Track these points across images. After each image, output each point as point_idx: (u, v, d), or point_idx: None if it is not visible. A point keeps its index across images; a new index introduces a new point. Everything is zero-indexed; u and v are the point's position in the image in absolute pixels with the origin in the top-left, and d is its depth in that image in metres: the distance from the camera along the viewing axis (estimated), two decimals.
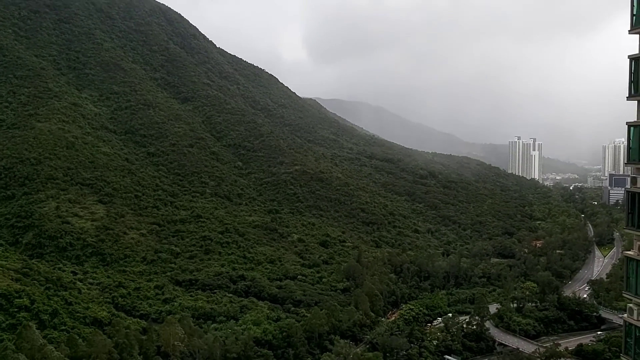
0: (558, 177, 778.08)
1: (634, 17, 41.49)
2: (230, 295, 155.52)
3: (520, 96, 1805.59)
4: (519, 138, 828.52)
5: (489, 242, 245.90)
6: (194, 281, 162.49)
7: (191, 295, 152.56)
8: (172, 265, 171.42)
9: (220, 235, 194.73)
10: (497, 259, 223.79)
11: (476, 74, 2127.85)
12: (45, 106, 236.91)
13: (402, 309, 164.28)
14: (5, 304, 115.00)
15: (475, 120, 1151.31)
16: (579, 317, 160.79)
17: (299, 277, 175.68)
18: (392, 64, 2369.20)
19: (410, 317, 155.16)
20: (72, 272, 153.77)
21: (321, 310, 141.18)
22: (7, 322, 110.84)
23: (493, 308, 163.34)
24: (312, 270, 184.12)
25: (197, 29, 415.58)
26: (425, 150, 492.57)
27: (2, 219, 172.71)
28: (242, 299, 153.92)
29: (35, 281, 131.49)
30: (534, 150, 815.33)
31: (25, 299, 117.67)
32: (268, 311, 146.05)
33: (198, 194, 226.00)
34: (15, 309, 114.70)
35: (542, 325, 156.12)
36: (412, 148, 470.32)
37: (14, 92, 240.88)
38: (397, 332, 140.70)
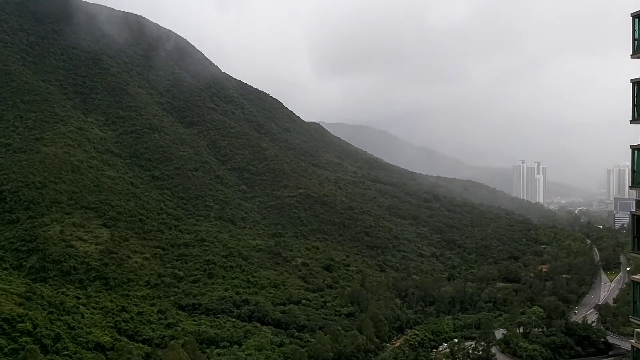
0: (563, 201, 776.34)
1: (636, 42, 41.96)
2: (234, 319, 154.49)
3: (525, 119, 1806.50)
4: (523, 162, 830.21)
5: (495, 266, 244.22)
6: (197, 305, 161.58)
7: (194, 320, 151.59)
8: (176, 289, 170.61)
9: (224, 259, 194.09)
10: (503, 284, 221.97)
11: (481, 96, 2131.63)
12: (51, 130, 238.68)
13: (407, 334, 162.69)
14: (8, 328, 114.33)
15: (480, 143, 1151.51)
16: (586, 343, 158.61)
17: (302, 301, 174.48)
18: (395, 83, 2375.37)
19: (416, 343, 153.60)
20: (75, 296, 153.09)
21: (325, 335, 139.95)
22: (10, 347, 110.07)
23: (499, 333, 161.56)
24: (316, 294, 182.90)
25: (202, 54, 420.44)
26: (429, 174, 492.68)
27: (6, 242, 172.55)
28: (246, 323, 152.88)
29: (38, 305, 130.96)
30: (538, 174, 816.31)
31: (28, 324, 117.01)
32: (272, 336, 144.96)
33: (202, 218, 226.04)
34: (18, 334, 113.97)
35: (549, 351, 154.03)
36: (416, 172, 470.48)
37: (21, 117, 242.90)
38: (402, 358, 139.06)
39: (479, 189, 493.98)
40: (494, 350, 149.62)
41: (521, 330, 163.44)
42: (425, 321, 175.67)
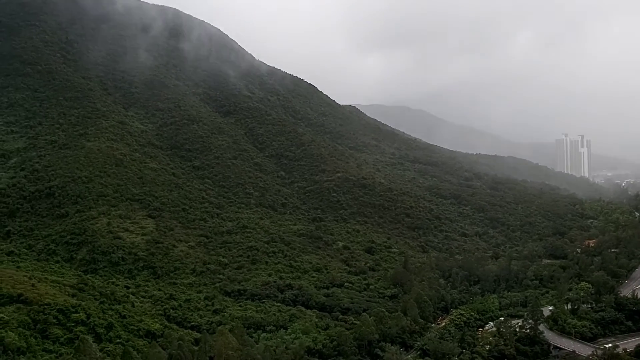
0: (609, 174, 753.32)
1: None
2: (279, 304, 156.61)
3: (566, 91, 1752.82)
4: (566, 135, 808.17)
5: (540, 243, 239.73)
6: (242, 291, 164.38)
7: (240, 306, 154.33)
8: (221, 276, 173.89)
9: (266, 245, 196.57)
10: (549, 260, 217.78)
11: (520, 69, 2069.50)
12: (94, 126, 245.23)
13: (452, 314, 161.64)
14: (63, 318, 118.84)
15: (520, 118, 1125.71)
16: (637, 317, 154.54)
17: (345, 284, 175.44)
18: (431, 61, 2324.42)
19: (461, 322, 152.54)
20: (125, 286, 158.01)
21: (370, 317, 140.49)
22: (65, 337, 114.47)
23: (546, 311, 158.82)
24: (358, 277, 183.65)
25: (236, 43, 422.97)
26: (469, 152, 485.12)
27: (57, 236, 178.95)
28: (290, 307, 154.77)
29: (90, 296, 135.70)
30: (582, 147, 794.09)
31: (81, 314, 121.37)
32: (316, 320, 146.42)
33: (243, 205, 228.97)
34: (73, 324, 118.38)
35: (598, 327, 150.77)
36: (456, 150, 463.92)
37: (64, 114, 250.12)
38: (448, 338, 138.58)
39: (521, 165, 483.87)
40: (541, 327, 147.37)
41: (569, 306, 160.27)
42: (470, 300, 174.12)
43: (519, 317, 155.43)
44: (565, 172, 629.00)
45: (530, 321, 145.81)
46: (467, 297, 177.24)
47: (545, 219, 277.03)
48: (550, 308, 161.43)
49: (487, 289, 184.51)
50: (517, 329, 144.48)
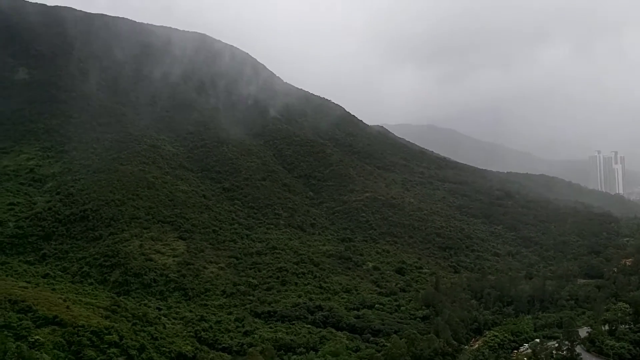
0: None
1: None
2: (309, 325, 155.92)
3: (597, 105, 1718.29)
4: (599, 152, 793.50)
5: (574, 263, 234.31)
6: (272, 313, 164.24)
7: (270, 327, 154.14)
8: (251, 297, 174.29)
9: (295, 266, 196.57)
10: (584, 280, 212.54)
11: (548, 85, 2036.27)
12: (126, 150, 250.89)
13: (485, 336, 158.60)
14: (97, 340, 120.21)
15: (550, 135, 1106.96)
16: None
17: (376, 305, 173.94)
18: (458, 78, 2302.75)
19: (495, 344, 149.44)
20: (157, 307, 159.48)
21: (401, 339, 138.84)
22: (99, 358, 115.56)
23: (583, 332, 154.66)
24: (389, 298, 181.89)
25: (265, 66, 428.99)
26: (499, 170, 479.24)
27: (91, 259, 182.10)
28: (321, 329, 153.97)
29: (123, 317, 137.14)
30: (616, 163, 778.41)
31: (114, 335, 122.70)
32: (347, 341, 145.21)
33: (272, 226, 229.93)
34: (106, 345, 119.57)
35: (637, 348, 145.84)
36: (486, 168, 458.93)
37: (98, 139, 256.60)
38: None
39: (553, 183, 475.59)
40: (578, 349, 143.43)
41: (607, 327, 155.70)
42: (503, 322, 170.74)
43: (555, 338, 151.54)
44: (599, 189, 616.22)
45: (566, 343, 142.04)
46: (501, 318, 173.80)
47: (579, 237, 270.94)
48: (587, 329, 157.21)
49: (520, 309, 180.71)
50: (554, 351, 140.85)
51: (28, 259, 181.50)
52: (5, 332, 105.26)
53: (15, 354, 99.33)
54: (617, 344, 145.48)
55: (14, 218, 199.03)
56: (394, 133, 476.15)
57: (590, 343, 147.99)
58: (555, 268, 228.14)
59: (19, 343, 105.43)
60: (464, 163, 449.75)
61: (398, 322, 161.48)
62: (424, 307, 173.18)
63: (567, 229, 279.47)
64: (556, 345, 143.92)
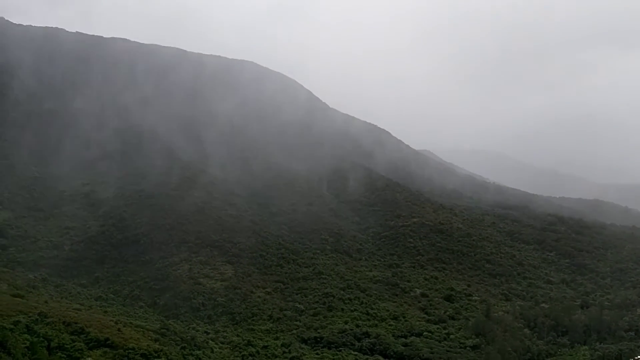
0: None
1: None
2: (356, 352, 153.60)
3: None
4: None
5: (633, 291, 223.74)
6: (319, 339, 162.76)
7: (317, 354, 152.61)
8: (297, 322, 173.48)
9: (342, 292, 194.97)
10: None
11: (602, 106, 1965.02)
12: (176, 175, 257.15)
13: None
14: None
15: (604, 159, 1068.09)
16: None
17: (424, 333, 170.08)
18: (509, 98, 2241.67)
19: None
20: (204, 331, 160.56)
21: None
22: None
23: None
24: (438, 326, 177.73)
25: (311, 93, 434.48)
26: (551, 195, 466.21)
27: (142, 282, 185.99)
28: (368, 356, 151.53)
29: (172, 341, 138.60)
30: None
31: (163, 358, 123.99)
32: None
33: (319, 251, 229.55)
34: None
35: None
36: (537, 194, 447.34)
37: (150, 165, 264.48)
38: None
39: (609, 208, 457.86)
40: None
41: None
42: (558, 352, 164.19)
43: None
44: None
45: None
46: (555, 349, 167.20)
47: (638, 265, 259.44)
48: None
49: (576, 340, 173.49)
50: None
51: (82, 282, 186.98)
52: (60, 354, 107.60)
53: None
54: None
55: (69, 242, 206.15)
56: (441, 157, 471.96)
57: None
58: (613, 297, 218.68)
59: None
60: (515, 188, 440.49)
61: (447, 351, 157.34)
62: (474, 336, 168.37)
63: (624, 256, 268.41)
64: None
